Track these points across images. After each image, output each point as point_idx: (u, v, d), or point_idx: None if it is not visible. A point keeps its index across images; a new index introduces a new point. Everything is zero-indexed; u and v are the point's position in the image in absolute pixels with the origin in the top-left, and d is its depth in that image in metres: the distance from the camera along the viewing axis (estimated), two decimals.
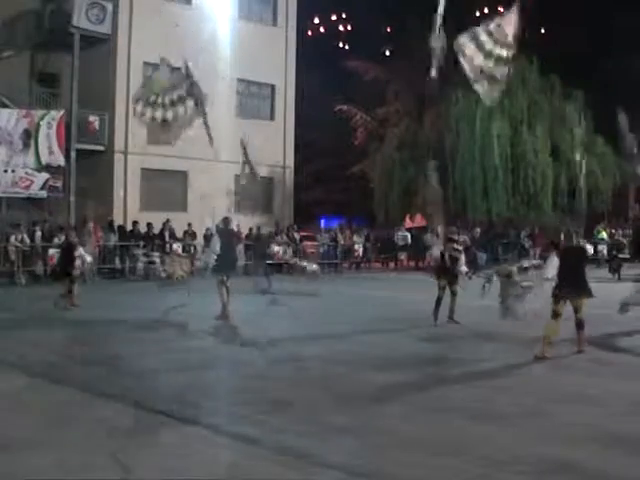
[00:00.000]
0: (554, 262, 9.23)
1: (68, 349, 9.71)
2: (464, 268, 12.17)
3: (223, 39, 24.69)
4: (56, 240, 18.91)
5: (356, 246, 26.07)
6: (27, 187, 20.80)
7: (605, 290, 10.77)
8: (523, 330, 10.40)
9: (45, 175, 21.00)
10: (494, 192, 26.88)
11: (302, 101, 29.02)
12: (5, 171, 20.36)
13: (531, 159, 27.21)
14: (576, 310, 9.07)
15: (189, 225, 22.26)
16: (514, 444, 5.49)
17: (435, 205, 25.67)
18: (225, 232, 12.72)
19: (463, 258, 12.22)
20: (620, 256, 22.12)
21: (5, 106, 21.32)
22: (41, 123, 20.82)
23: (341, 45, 43.75)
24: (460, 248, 12.34)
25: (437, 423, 6.11)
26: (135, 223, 21.69)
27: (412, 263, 26.41)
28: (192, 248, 21.55)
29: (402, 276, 23.15)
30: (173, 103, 12.04)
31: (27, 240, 19.25)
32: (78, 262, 13.91)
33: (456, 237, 12.77)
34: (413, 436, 5.69)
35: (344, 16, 43.79)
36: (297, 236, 24.71)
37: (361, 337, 10.71)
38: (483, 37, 10.09)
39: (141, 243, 20.81)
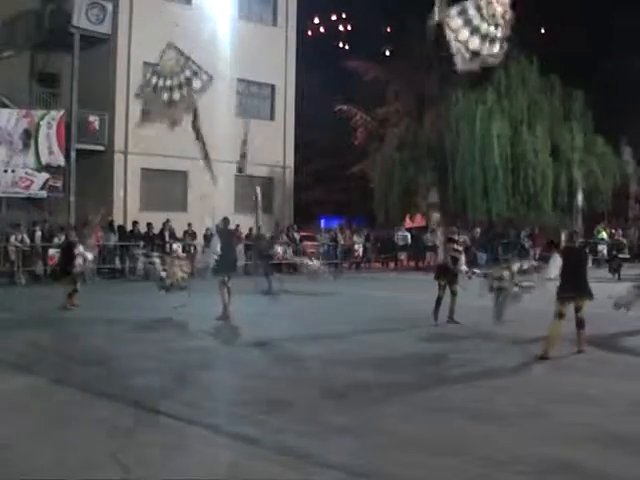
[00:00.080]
0: (557, 262, 9.18)
1: (68, 349, 9.71)
2: (464, 267, 12.19)
3: (223, 39, 24.70)
4: (56, 240, 18.93)
5: (356, 246, 26.08)
6: (27, 187, 20.82)
7: (605, 290, 10.73)
8: (523, 330, 10.40)
9: (45, 175, 21.02)
10: (494, 192, 26.90)
11: (302, 101, 29.01)
12: (5, 171, 20.39)
13: (531, 159, 27.21)
14: (577, 309, 9.06)
15: (189, 225, 22.26)
16: (514, 444, 5.49)
17: (435, 208, 25.79)
18: (225, 232, 12.74)
19: (463, 258, 12.24)
20: (620, 256, 22.11)
21: (5, 106, 21.32)
22: (41, 123, 20.84)
23: (341, 45, 43.67)
24: (460, 248, 12.35)
25: (437, 423, 6.11)
26: (135, 223, 21.70)
27: (412, 263, 26.44)
28: (192, 248, 21.57)
29: (402, 276, 23.16)
30: (181, 86, 12.14)
31: (27, 240, 19.25)
32: (79, 260, 13.75)
33: (456, 237, 12.77)
34: (413, 436, 5.69)
35: (344, 16, 43.71)
36: (297, 236, 24.72)
37: (361, 337, 10.71)
38: (471, 11, 9.80)
39: (141, 243, 20.76)
